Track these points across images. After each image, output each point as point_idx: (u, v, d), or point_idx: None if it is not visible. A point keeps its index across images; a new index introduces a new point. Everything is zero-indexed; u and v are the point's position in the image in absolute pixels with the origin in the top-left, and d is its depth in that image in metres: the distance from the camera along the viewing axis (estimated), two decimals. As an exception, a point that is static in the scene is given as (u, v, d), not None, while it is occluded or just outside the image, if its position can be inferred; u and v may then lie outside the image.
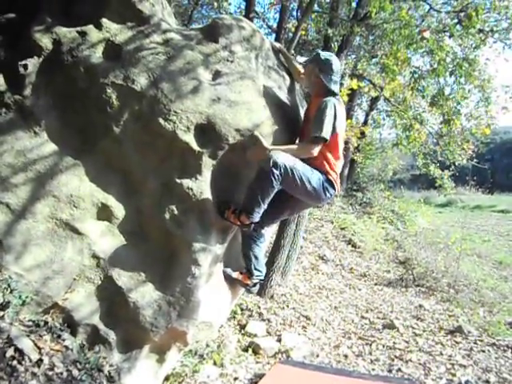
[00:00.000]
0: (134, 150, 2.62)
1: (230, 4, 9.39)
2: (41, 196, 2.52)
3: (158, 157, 2.63)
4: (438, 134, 7.15)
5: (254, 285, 3.08)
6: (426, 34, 4.07)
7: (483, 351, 4.80)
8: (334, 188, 2.76)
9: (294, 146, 2.70)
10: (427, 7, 8.74)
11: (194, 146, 2.57)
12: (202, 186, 2.61)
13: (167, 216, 2.62)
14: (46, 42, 2.67)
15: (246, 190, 2.66)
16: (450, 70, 4.18)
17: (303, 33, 5.27)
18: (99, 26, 2.68)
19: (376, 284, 7.44)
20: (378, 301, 6.47)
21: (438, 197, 17.64)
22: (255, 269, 3.00)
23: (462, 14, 6.00)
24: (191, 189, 2.60)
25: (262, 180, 2.53)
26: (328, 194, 2.75)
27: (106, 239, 2.65)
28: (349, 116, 10.71)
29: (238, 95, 2.67)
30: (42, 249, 2.49)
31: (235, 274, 3.03)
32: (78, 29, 2.68)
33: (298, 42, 5.43)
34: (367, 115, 13.20)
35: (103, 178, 2.66)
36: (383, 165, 14.87)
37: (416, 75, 4.67)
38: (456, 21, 6.57)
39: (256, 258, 3.00)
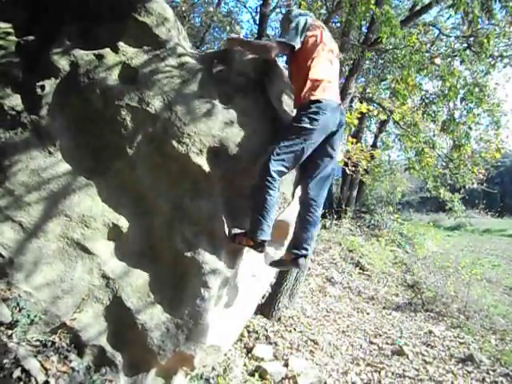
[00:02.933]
0: (146, 171, 2.64)
1: (242, 28, 9.57)
2: (53, 215, 2.54)
3: (171, 179, 2.65)
4: (448, 158, 7.13)
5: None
6: (437, 61, 4.11)
7: (496, 382, 4.67)
8: (318, 111, 2.58)
9: (258, 42, 2.78)
10: (436, 32, 8.87)
11: (207, 168, 2.59)
12: (213, 209, 2.62)
13: (178, 238, 2.62)
14: (63, 64, 2.73)
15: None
16: (460, 95, 4.20)
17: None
18: (116, 50, 2.74)
19: (384, 308, 7.32)
20: (387, 325, 6.35)
21: (448, 220, 17.48)
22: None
23: (471, 39, 6.06)
24: (203, 211, 2.60)
25: (255, 196, 2.55)
26: (321, 118, 2.58)
27: (116, 259, 2.65)
28: (358, 138, 10.76)
29: (251, 119, 2.69)
30: (53, 268, 2.50)
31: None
32: (96, 52, 2.74)
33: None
34: (376, 137, 13.24)
35: (115, 198, 2.68)
36: (392, 187, 14.82)
37: (427, 100, 4.70)
38: (465, 45, 6.64)
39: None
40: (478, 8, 3.47)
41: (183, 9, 9.14)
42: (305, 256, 2.80)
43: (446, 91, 4.05)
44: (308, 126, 2.55)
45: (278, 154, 2.52)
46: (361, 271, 9.27)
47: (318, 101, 2.59)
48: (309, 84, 2.64)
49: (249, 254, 2.88)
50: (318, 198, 2.80)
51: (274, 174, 2.51)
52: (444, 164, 7.90)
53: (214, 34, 11.53)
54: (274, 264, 2.98)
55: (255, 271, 3.10)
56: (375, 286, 8.54)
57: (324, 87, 2.65)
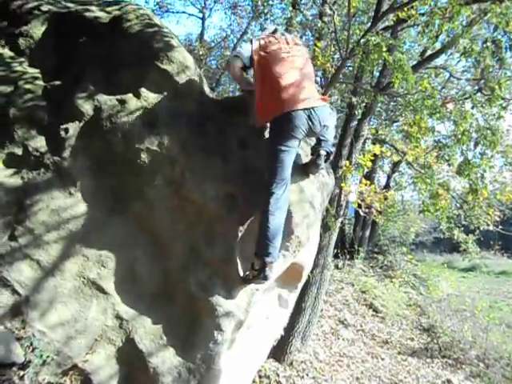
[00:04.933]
0: (164, 213, 2.69)
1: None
2: (71, 254, 2.57)
3: (187, 221, 2.69)
4: (462, 199, 7.08)
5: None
6: (450, 106, 4.19)
7: None
8: (291, 116, 2.65)
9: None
10: (447, 75, 9.01)
11: (222, 212, 2.63)
12: (227, 252, 2.63)
13: (192, 280, 2.63)
14: (87, 108, 2.84)
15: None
16: (474, 140, 4.24)
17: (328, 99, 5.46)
18: (138, 95, 2.86)
19: (399, 353, 7.10)
20: (403, 373, 6.15)
21: (462, 261, 17.13)
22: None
23: (482, 83, 6.15)
24: (217, 254, 2.62)
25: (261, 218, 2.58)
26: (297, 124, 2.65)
27: (131, 300, 2.65)
28: (371, 179, 10.78)
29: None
30: (67, 307, 2.50)
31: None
32: (118, 97, 2.85)
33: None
34: (389, 178, 13.24)
35: (132, 238, 2.71)
36: (405, 227, 14.67)
37: (440, 144, 4.75)
38: (476, 88, 6.73)
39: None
40: (489, 57, 3.56)
41: (200, 52, 9.51)
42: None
43: (459, 136, 4.11)
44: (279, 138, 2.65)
45: (272, 175, 2.61)
46: (374, 313, 9.07)
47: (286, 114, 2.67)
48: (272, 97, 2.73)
49: (263, 296, 2.87)
50: None
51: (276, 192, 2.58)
52: (458, 205, 7.83)
53: (229, 76, 11.88)
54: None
55: (269, 314, 3.07)
56: (389, 329, 8.32)
57: (290, 96, 2.70)
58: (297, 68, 2.83)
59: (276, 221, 2.58)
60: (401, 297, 10.29)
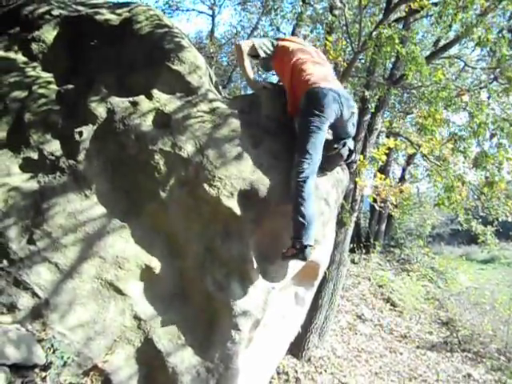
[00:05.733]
0: (179, 213, 2.70)
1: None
2: (88, 256, 2.60)
3: (202, 221, 2.69)
4: (479, 190, 6.95)
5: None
6: (465, 98, 4.10)
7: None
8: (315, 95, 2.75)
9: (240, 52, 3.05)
10: (462, 64, 8.84)
11: (238, 211, 2.62)
12: (244, 251, 2.63)
13: (209, 279, 2.64)
14: (100, 111, 2.86)
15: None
16: (491, 132, 4.16)
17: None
18: (150, 97, 2.86)
19: (418, 347, 7.04)
20: (422, 367, 6.09)
21: (481, 253, 16.87)
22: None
23: (497, 71, 6.02)
24: (233, 253, 2.62)
25: (294, 202, 2.61)
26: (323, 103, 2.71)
27: (148, 300, 2.67)
28: (385, 172, 10.67)
29: (280, 161, 2.74)
30: (86, 308, 2.53)
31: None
32: (131, 99, 2.87)
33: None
34: (404, 170, 13.08)
35: (148, 239, 2.73)
36: (421, 220, 14.49)
37: (456, 136, 4.66)
38: (492, 77, 6.59)
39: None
40: (505, 46, 3.48)
41: (211, 50, 9.50)
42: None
43: (476, 127, 4.03)
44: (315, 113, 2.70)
45: (304, 153, 2.66)
46: (392, 307, 8.99)
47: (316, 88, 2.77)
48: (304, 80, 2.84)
49: (279, 294, 2.86)
50: None
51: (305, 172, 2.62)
52: (476, 197, 7.70)
53: (240, 73, 11.86)
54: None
55: (286, 312, 3.07)
56: (407, 323, 8.24)
57: (319, 78, 2.83)
58: (321, 64, 3.06)
59: (310, 203, 2.61)
60: (418, 290, 10.18)
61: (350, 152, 3.00)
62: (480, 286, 11.48)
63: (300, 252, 2.59)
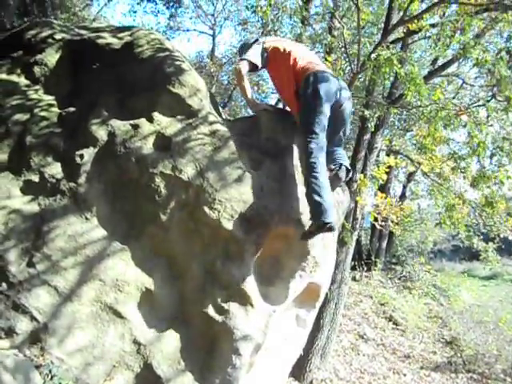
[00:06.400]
0: (179, 236, 2.69)
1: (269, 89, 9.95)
2: (88, 279, 2.58)
3: (203, 243, 2.68)
4: (480, 208, 6.93)
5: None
6: (464, 117, 4.13)
7: None
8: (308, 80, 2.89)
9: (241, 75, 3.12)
10: (460, 81, 8.90)
11: (238, 233, 2.62)
12: (244, 273, 2.62)
13: (209, 302, 2.62)
14: (101, 133, 2.87)
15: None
16: (490, 152, 4.18)
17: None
18: (151, 120, 2.88)
19: (422, 368, 6.92)
20: (426, 389, 5.99)
21: (483, 269, 16.74)
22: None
23: (495, 88, 6.06)
24: (234, 276, 2.61)
25: (307, 181, 2.69)
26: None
27: (148, 324, 2.64)
28: (386, 189, 10.65)
29: (281, 184, 2.74)
30: (85, 332, 2.51)
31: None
32: (132, 122, 2.88)
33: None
34: (405, 187, 13.07)
35: (148, 262, 2.71)
36: (422, 236, 14.44)
37: (456, 155, 4.68)
38: (490, 94, 6.63)
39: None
40: (504, 67, 3.51)
41: (212, 69, 9.60)
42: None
43: (475, 147, 4.04)
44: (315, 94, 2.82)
45: (310, 133, 2.74)
46: (394, 326, 8.88)
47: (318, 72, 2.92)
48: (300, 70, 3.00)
49: (280, 317, 2.84)
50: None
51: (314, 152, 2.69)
52: (477, 214, 7.68)
53: (240, 92, 11.95)
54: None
55: (287, 335, 3.03)
56: (410, 342, 8.13)
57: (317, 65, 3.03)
58: (308, 52, 3.33)
59: (323, 180, 2.65)
60: (421, 308, 10.08)
61: (348, 171, 3.04)
62: (483, 303, 11.36)
63: (325, 229, 2.61)
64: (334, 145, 3.03)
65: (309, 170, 2.69)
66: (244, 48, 3.31)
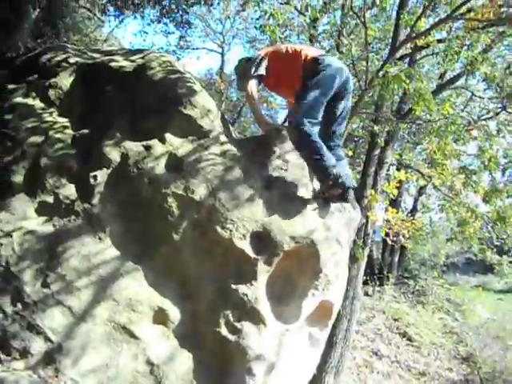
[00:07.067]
0: (191, 256, 2.71)
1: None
2: (101, 299, 2.60)
3: (215, 263, 2.70)
4: (493, 222, 6.86)
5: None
6: (474, 133, 4.12)
7: None
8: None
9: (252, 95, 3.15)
10: (469, 94, 8.89)
11: (250, 252, 2.63)
12: (257, 292, 2.62)
13: (222, 322, 2.61)
14: (114, 155, 2.92)
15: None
16: (501, 167, 4.15)
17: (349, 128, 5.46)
18: (163, 141, 2.93)
19: (438, 386, 6.80)
20: (443, 407, 5.86)
21: (498, 283, 16.47)
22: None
23: (505, 100, 6.04)
24: (246, 295, 2.61)
25: (303, 149, 2.85)
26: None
27: (161, 344, 2.64)
28: (397, 202, 10.58)
29: (292, 203, 2.76)
30: (99, 353, 2.51)
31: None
32: (144, 143, 2.93)
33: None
34: (416, 200, 13.00)
35: (161, 282, 2.72)
36: (435, 249, 14.27)
37: (467, 171, 4.65)
38: (500, 106, 6.61)
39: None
40: (512, 82, 3.52)
41: (221, 87, 9.73)
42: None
43: (486, 162, 4.02)
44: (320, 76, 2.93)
45: (304, 112, 2.84)
46: (408, 342, 8.75)
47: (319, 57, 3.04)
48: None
49: (293, 336, 2.82)
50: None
51: (306, 124, 2.80)
52: (489, 227, 7.59)
53: (248, 107, 12.05)
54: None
55: (300, 354, 3.00)
56: (425, 358, 8.00)
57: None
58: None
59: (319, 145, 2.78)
60: (435, 324, 9.93)
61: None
62: (499, 317, 11.14)
63: (334, 185, 2.75)
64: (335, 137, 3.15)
65: (300, 141, 2.83)
66: (241, 67, 3.38)
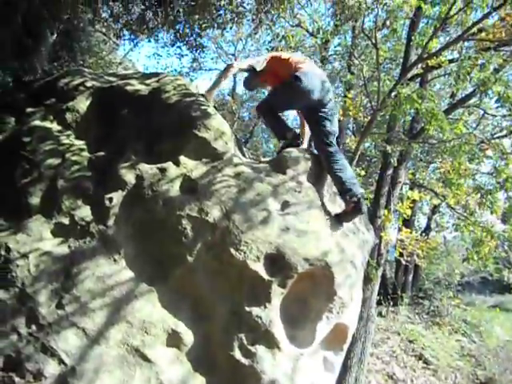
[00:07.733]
0: (205, 277, 2.71)
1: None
2: (115, 321, 2.60)
3: (229, 285, 2.69)
4: (508, 240, 6.75)
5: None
6: (489, 152, 4.10)
7: None
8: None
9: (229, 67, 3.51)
10: (481, 112, 8.85)
11: (264, 274, 2.62)
12: (271, 315, 2.60)
13: (236, 345, 2.59)
14: (129, 177, 2.96)
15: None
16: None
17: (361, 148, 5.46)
18: (177, 163, 2.96)
19: (456, 411, 6.58)
20: None
21: (516, 303, 16.02)
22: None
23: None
24: (260, 317, 2.59)
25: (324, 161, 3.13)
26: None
27: (174, 367, 2.62)
28: (410, 221, 10.46)
29: (306, 225, 2.76)
30: (112, 376, 2.49)
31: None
32: (159, 165, 2.97)
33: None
34: (429, 219, 12.85)
35: (175, 304, 2.72)
36: (449, 268, 14.00)
37: (482, 190, 4.61)
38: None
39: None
40: (526, 103, 3.50)
41: (233, 107, 9.85)
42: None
43: (501, 182, 3.98)
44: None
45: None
46: (424, 365, 8.52)
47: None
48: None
49: (308, 360, 2.78)
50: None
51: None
52: (505, 247, 7.47)
53: (262, 126, 12.17)
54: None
55: (315, 379, 2.95)
56: (443, 383, 7.78)
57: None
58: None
59: (342, 163, 3.07)
60: (452, 346, 9.67)
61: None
62: (519, 339, 10.83)
63: (357, 206, 2.94)
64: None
65: (330, 165, 3.08)
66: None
